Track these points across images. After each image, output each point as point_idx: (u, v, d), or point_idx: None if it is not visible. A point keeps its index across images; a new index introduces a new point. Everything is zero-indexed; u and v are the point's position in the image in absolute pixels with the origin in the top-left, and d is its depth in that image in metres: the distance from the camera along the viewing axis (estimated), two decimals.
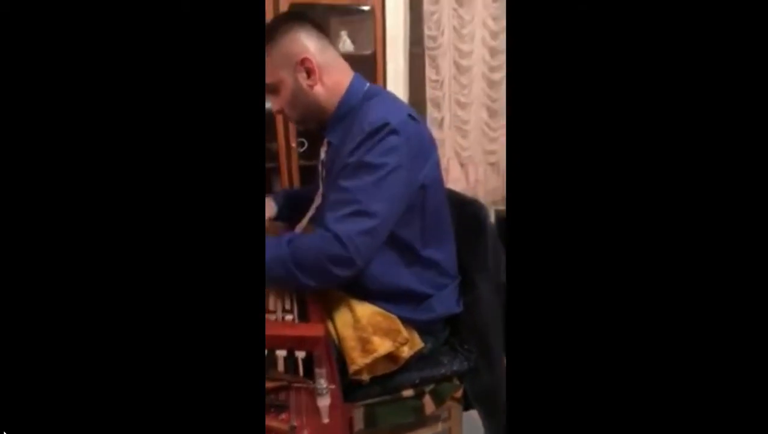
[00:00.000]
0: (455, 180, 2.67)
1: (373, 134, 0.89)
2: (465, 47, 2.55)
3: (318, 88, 1.00)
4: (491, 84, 2.64)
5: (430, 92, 2.56)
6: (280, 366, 0.73)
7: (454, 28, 2.52)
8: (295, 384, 0.70)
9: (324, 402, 0.66)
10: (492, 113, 2.69)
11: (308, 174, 2.00)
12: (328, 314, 1.00)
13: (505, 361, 1.08)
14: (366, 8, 2.10)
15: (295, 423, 0.63)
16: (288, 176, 2.09)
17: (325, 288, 0.95)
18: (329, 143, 1.05)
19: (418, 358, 1.01)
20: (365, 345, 0.93)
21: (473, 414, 1.10)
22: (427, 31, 2.47)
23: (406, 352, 0.97)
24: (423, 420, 1.06)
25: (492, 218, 1.14)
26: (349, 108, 1.00)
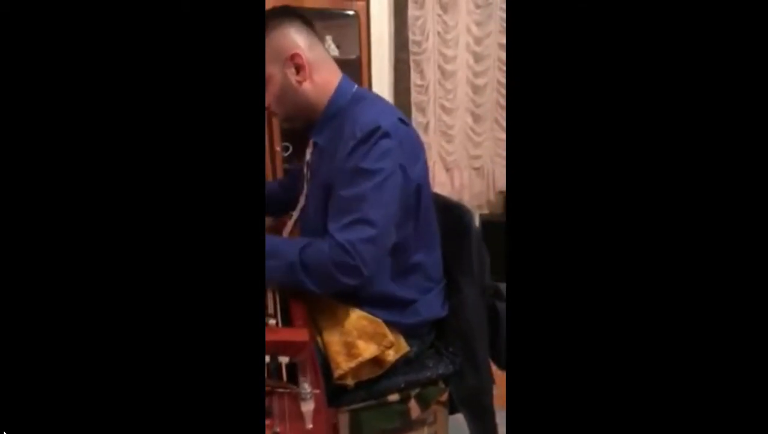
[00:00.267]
0: (440, 185, 2.68)
1: (365, 138, 0.88)
2: (449, 52, 2.57)
3: (307, 85, 0.98)
4: (476, 89, 2.66)
5: (415, 97, 2.58)
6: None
7: (439, 33, 2.54)
8: (279, 389, 0.69)
9: (308, 407, 0.65)
10: (476, 118, 2.70)
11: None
12: (312, 318, 0.99)
13: (490, 363, 1.08)
14: (351, 13, 2.11)
15: (278, 429, 0.62)
16: (273, 179, 2.08)
17: (333, 295, 0.95)
18: (315, 144, 1.04)
19: (403, 362, 1.00)
20: (350, 349, 0.93)
21: (459, 418, 1.09)
22: (411, 36, 2.48)
23: (391, 356, 0.96)
24: (409, 425, 1.06)
25: (477, 222, 1.14)
26: (337, 109, 0.99)
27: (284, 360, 0.74)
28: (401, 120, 0.95)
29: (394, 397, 1.02)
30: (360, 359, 0.92)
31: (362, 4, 2.09)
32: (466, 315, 1.05)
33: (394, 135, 0.90)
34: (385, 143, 0.89)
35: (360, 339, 0.93)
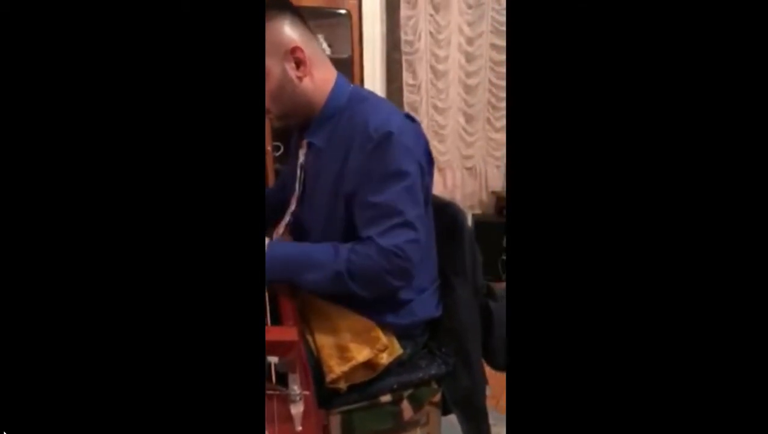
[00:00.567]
0: (433, 184, 2.68)
1: (383, 140, 0.87)
2: (441, 52, 2.57)
3: (307, 81, 0.94)
4: (468, 89, 2.66)
5: (407, 97, 2.57)
6: None
7: (431, 33, 2.54)
8: (268, 391, 0.67)
9: (297, 409, 0.64)
10: (469, 118, 2.71)
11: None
12: (305, 320, 0.97)
13: (483, 364, 1.07)
14: (343, 12, 2.10)
15: (267, 432, 0.61)
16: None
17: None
18: (310, 145, 1.00)
19: (396, 363, 0.99)
20: (343, 352, 0.91)
21: (452, 419, 1.09)
22: (403, 36, 2.48)
23: (384, 359, 0.95)
24: (401, 426, 1.04)
25: (469, 222, 1.13)
26: (336, 109, 0.96)
27: (273, 359, 0.73)
28: (408, 117, 0.95)
29: (386, 398, 1.01)
30: (353, 363, 0.91)
31: (354, 3, 2.09)
32: (459, 315, 1.04)
33: (408, 134, 0.90)
34: (404, 143, 0.88)
35: (353, 342, 0.92)
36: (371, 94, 1.03)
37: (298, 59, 0.92)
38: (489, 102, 2.70)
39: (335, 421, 0.97)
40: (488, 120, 2.73)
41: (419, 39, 2.52)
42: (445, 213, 1.07)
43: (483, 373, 1.07)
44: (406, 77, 2.54)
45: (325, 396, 0.92)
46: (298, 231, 1.05)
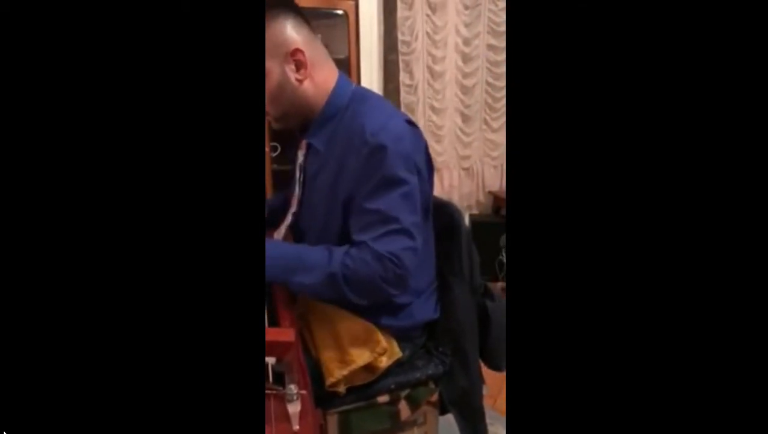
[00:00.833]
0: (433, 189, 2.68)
1: (380, 146, 0.85)
2: (438, 53, 2.57)
3: (307, 84, 0.93)
4: (464, 90, 2.67)
5: (404, 97, 2.57)
6: None
7: (428, 33, 2.54)
8: (265, 390, 0.67)
9: (294, 409, 0.64)
10: (465, 119, 2.71)
11: (281, 179, 1.97)
12: (305, 323, 0.97)
13: (480, 363, 1.07)
14: (339, 12, 2.10)
15: (264, 431, 0.61)
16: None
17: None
18: (309, 146, 1.00)
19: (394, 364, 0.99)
20: (343, 356, 0.91)
21: (449, 418, 1.09)
22: (400, 37, 2.48)
23: (384, 362, 0.95)
24: (399, 426, 1.04)
25: (467, 222, 1.13)
26: (336, 110, 0.95)
27: (270, 360, 0.73)
28: (408, 122, 0.92)
29: (383, 398, 1.01)
30: (353, 367, 0.90)
31: (351, 3, 2.09)
32: (456, 315, 1.04)
33: (406, 139, 0.88)
34: (402, 149, 0.86)
35: (353, 346, 0.91)
36: (373, 95, 1.01)
37: (298, 61, 0.91)
38: (486, 102, 2.70)
39: (332, 421, 0.97)
40: (485, 120, 2.73)
41: (416, 40, 2.52)
42: (442, 213, 1.07)
43: (480, 373, 1.07)
44: (403, 78, 2.54)
45: (322, 396, 0.92)
46: (297, 232, 1.05)
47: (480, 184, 2.82)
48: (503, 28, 2.59)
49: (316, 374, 0.91)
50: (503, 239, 2.43)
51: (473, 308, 1.05)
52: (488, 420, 1.08)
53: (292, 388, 0.65)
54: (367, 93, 0.99)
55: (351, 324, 0.93)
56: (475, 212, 2.82)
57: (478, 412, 1.05)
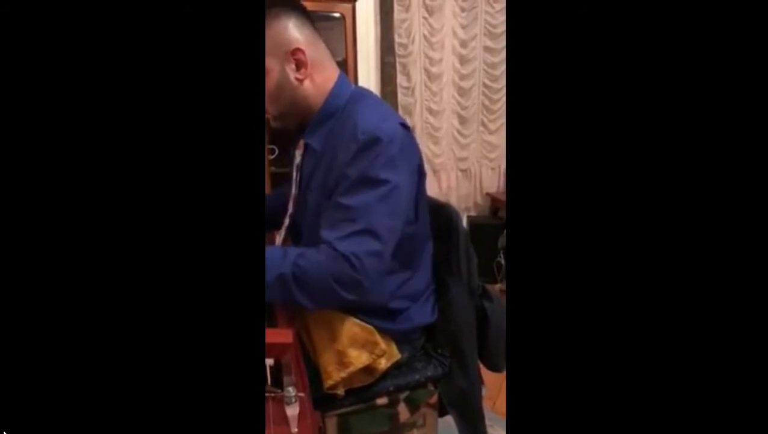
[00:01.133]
0: (428, 187, 2.68)
1: (369, 144, 0.83)
2: (435, 55, 2.58)
3: (307, 84, 0.92)
4: (461, 92, 2.67)
5: (401, 99, 2.58)
6: None
7: (425, 36, 2.54)
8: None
9: (292, 411, 0.63)
10: (463, 121, 2.72)
11: (279, 181, 1.96)
12: (303, 324, 0.97)
13: (478, 364, 1.07)
14: (336, 15, 2.10)
15: None
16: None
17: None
18: (306, 146, 0.99)
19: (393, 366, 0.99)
20: (342, 358, 0.90)
21: (448, 420, 1.08)
22: (397, 39, 2.48)
23: (383, 364, 0.94)
24: (398, 428, 1.04)
25: (464, 224, 1.13)
26: (334, 109, 0.94)
27: (269, 362, 0.73)
28: (402, 125, 0.91)
29: (382, 401, 1.01)
30: (351, 369, 0.90)
31: (348, 6, 2.09)
32: (454, 316, 1.04)
33: (398, 142, 0.85)
34: (390, 151, 0.84)
35: (352, 348, 0.91)
36: (371, 96, 1.00)
37: (299, 61, 0.91)
38: (483, 104, 2.71)
39: (331, 424, 0.97)
40: (482, 122, 2.74)
41: (413, 42, 2.52)
42: (440, 215, 1.07)
43: (479, 374, 1.07)
44: (400, 80, 2.55)
45: (321, 398, 0.92)
46: (295, 234, 1.04)
47: (477, 186, 2.83)
48: (500, 30, 2.59)
49: (314, 376, 0.90)
50: (501, 241, 2.43)
51: (471, 309, 1.05)
52: (487, 422, 1.08)
53: (291, 390, 0.65)
54: (365, 93, 0.99)
55: (349, 326, 0.93)
56: (472, 213, 2.82)
57: (477, 413, 1.05)
